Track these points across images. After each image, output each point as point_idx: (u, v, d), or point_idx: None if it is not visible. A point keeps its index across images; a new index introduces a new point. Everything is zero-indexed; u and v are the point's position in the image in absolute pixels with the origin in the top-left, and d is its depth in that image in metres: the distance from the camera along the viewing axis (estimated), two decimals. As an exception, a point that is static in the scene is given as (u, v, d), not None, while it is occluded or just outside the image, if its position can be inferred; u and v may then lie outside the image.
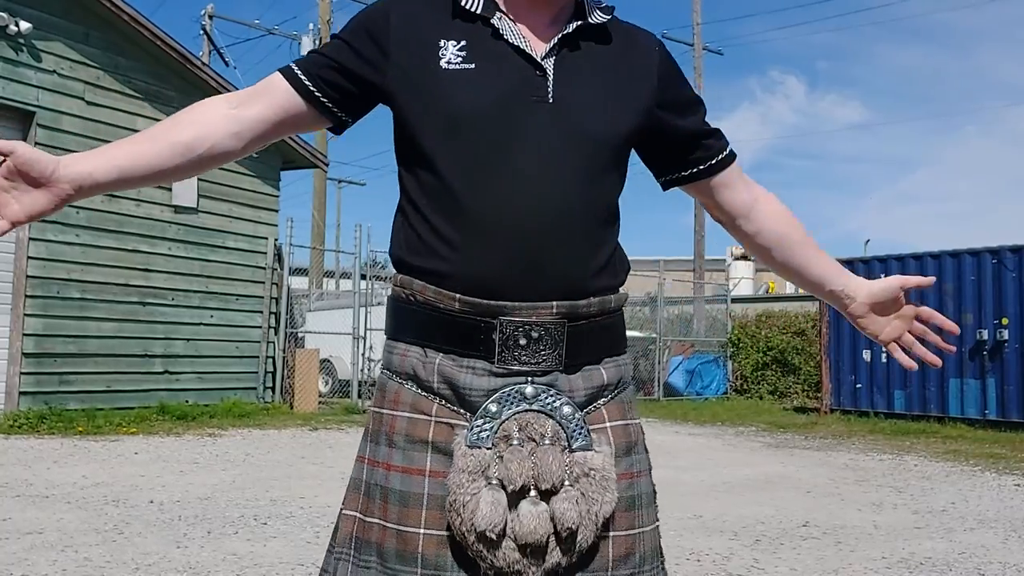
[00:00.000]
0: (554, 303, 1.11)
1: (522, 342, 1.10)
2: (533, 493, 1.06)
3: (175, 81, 10.07)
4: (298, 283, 15.70)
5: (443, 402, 1.14)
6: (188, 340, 10.12)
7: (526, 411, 1.10)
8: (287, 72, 1.22)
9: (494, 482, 1.06)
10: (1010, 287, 10.01)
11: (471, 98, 1.12)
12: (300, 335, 12.81)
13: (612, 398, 1.19)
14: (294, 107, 1.22)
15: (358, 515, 1.17)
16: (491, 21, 1.16)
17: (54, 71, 8.95)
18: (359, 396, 11.74)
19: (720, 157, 1.31)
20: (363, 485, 1.18)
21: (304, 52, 16.51)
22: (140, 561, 3.64)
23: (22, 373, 8.61)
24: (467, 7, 1.17)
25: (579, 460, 1.08)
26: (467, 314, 1.11)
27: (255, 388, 10.82)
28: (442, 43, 1.15)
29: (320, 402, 11.71)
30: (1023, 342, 9.86)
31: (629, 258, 1.27)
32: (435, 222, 1.12)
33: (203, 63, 10.59)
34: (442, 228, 1.12)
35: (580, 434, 1.10)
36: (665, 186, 1.36)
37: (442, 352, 1.14)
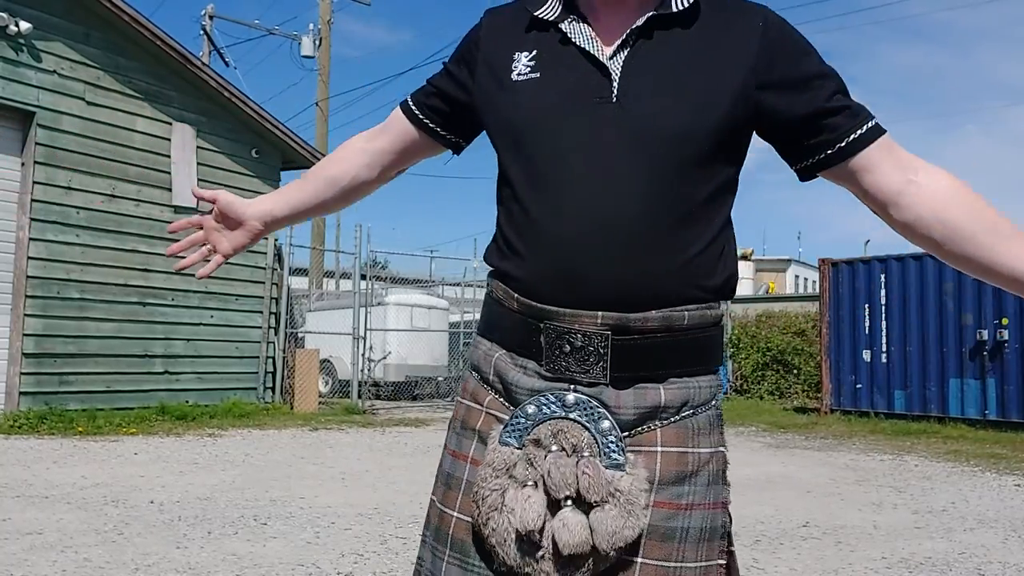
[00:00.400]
0: (599, 313, 1.07)
1: (566, 349, 1.09)
2: (570, 503, 1.04)
3: (175, 81, 10.08)
4: (298, 283, 15.71)
5: (496, 395, 1.17)
6: (188, 340, 10.13)
7: (562, 418, 1.08)
8: (403, 103, 1.34)
9: (530, 483, 1.06)
10: (1010, 287, 9.99)
11: (531, 107, 1.13)
12: (300, 335, 12.82)
13: (673, 422, 1.10)
14: (410, 135, 1.34)
15: (435, 499, 1.23)
16: (560, 26, 1.15)
17: (54, 71, 8.95)
18: (359, 396, 11.74)
19: (852, 137, 1.12)
20: (440, 470, 1.24)
21: (304, 52, 16.54)
22: (140, 562, 3.63)
23: (22, 373, 8.61)
24: (540, 16, 1.17)
25: (607, 478, 1.05)
26: (523, 315, 1.14)
27: (255, 388, 10.82)
28: (516, 55, 1.17)
29: (320, 402, 11.71)
30: (1023, 342, 9.86)
31: None
32: (507, 228, 1.16)
33: (203, 63, 10.59)
34: (511, 234, 1.15)
35: (614, 452, 1.06)
36: (800, 176, 1.19)
37: (504, 348, 1.18)
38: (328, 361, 14.21)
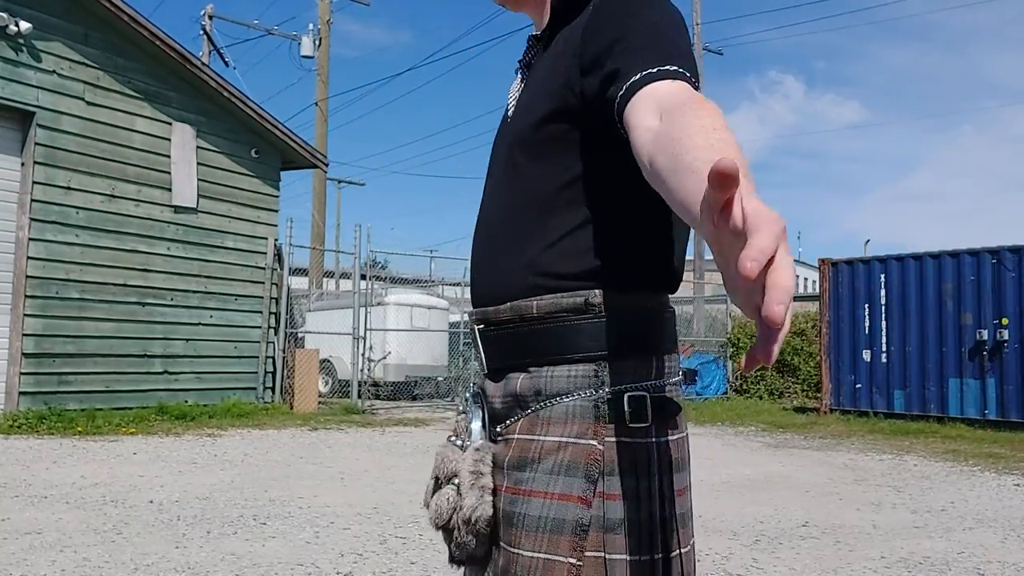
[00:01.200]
0: (474, 309, 1.19)
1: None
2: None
3: (174, 81, 10.08)
4: (298, 283, 15.71)
5: None
6: (187, 340, 10.13)
7: (462, 412, 1.21)
8: None
9: None
10: (1009, 287, 10.01)
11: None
12: (300, 335, 12.81)
13: (531, 412, 1.09)
14: None
15: None
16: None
17: (54, 71, 8.95)
18: (359, 396, 11.73)
19: (616, 103, 0.93)
20: None
21: (303, 52, 16.46)
22: (139, 561, 3.64)
23: (22, 373, 8.61)
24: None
25: (455, 461, 1.15)
26: None
27: (255, 388, 10.82)
28: None
29: (320, 402, 11.71)
30: (1023, 342, 9.86)
31: None
32: None
33: (203, 63, 10.59)
34: None
35: (471, 439, 1.16)
36: None
37: None
38: (328, 361, 14.21)
